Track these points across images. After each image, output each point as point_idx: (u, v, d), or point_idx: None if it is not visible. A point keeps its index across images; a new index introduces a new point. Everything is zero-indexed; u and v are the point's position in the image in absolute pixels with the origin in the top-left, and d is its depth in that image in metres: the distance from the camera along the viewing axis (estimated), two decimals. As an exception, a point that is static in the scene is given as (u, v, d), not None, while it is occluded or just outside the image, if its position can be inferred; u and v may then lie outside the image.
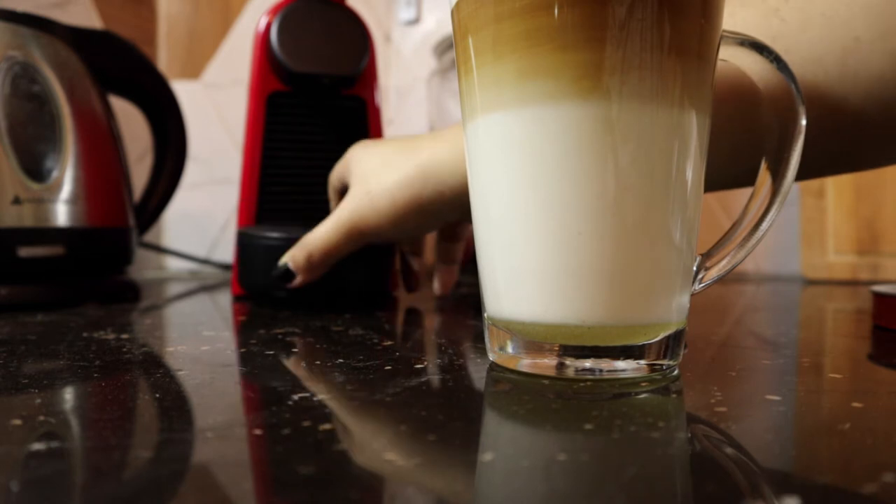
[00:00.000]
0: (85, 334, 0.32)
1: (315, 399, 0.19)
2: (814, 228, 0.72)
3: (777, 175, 0.24)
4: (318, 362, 0.25)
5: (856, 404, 0.19)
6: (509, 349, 0.23)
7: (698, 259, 0.24)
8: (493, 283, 0.24)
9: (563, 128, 0.21)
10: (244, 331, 0.34)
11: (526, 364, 0.22)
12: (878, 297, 0.34)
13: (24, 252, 0.44)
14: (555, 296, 0.22)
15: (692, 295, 0.24)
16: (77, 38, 0.51)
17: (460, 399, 0.20)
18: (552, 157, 0.21)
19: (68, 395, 0.21)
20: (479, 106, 0.23)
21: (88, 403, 0.20)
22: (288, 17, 0.46)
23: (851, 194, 0.71)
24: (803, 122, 0.23)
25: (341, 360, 0.25)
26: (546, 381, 0.21)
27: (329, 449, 0.15)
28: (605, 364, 0.22)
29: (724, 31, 0.23)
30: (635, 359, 0.22)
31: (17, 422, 0.17)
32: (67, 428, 0.17)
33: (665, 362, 0.22)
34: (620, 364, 0.22)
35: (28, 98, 0.45)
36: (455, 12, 0.24)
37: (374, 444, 0.16)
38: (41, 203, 0.45)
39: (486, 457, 0.15)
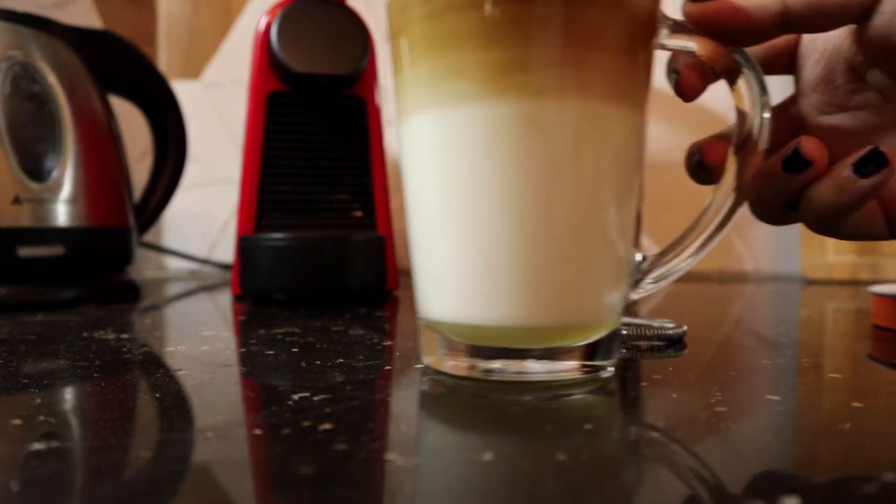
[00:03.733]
0: (85, 334, 0.31)
1: (315, 399, 0.19)
2: (814, 228, 0.72)
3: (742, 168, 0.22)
4: (318, 362, 0.25)
5: (856, 404, 0.19)
6: (437, 350, 0.23)
7: (650, 259, 0.24)
8: (424, 284, 0.23)
9: (487, 126, 0.20)
10: (244, 331, 0.34)
11: (449, 366, 0.22)
12: (878, 297, 0.34)
13: (24, 252, 0.44)
14: (478, 297, 0.21)
15: (646, 294, 0.23)
16: (77, 38, 0.51)
17: (460, 399, 0.20)
18: (477, 157, 0.21)
19: (68, 395, 0.21)
20: (410, 105, 0.22)
21: (88, 403, 0.20)
22: (288, 17, 0.46)
23: (851, 194, 0.71)
24: (767, 114, 0.22)
25: (341, 360, 0.25)
26: (520, 384, 0.21)
27: (329, 449, 0.15)
28: (532, 365, 0.21)
29: (668, 18, 0.22)
30: (563, 360, 0.21)
31: (17, 422, 0.17)
32: (67, 428, 0.17)
33: (598, 363, 0.22)
34: (547, 366, 0.21)
35: (28, 98, 0.45)
36: (387, 11, 0.23)
37: (374, 444, 0.16)
38: (41, 203, 0.45)
39: (486, 457, 0.15)
